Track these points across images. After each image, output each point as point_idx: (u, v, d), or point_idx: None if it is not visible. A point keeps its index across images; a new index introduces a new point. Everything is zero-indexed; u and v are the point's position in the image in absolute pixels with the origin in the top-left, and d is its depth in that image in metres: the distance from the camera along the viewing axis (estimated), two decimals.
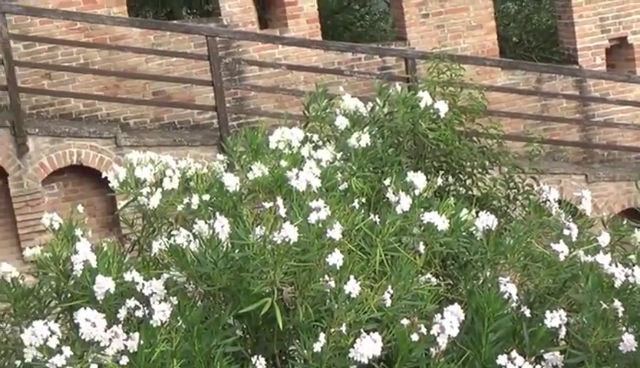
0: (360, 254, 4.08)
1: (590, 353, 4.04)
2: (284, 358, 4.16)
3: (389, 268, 4.07)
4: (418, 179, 4.49)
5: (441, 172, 6.21)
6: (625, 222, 5.08)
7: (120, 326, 3.69)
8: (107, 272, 3.98)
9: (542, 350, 4.10)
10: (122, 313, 3.82)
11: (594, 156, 12.91)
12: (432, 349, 3.85)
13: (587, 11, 12.90)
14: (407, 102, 5.37)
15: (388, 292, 3.88)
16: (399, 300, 3.94)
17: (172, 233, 4.24)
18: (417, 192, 4.44)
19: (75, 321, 3.63)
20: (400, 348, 3.85)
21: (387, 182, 4.66)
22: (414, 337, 3.82)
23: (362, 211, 4.30)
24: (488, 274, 4.40)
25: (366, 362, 3.67)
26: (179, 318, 3.84)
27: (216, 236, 3.91)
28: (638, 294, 4.13)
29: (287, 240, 3.69)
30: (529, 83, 12.81)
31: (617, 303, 4.03)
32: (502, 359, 3.83)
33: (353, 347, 3.66)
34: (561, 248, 4.33)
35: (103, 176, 5.07)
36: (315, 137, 5.24)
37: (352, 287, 3.72)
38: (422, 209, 4.32)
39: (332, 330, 3.72)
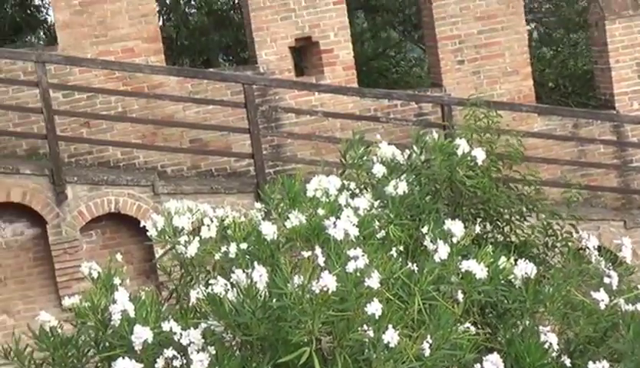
0: (398, 303, 4.06)
1: None
2: None
3: (427, 317, 4.04)
4: (456, 227, 4.47)
5: (479, 220, 6.17)
6: None
7: None
8: (144, 322, 3.98)
9: None
10: (160, 364, 3.81)
11: (632, 201, 12.79)
12: None
13: (624, 56, 12.85)
14: (444, 149, 5.35)
15: (427, 341, 3.85)
16: (438, 350, 3.90)
17: (210, 282, 4.23)
18: (454, 240, 4.41)
19: None
20: None
21: (424, 229, 4.64)
22: None
23: (400, 259, 4.28)
24: (527, 322, 4.36)
25: None
26: None
27: (254, 285, 3.90)
28: None
29: (325, 289, 3.67)
30: (566, 128, 12.75)
31: None
32: None
33: None
34: (601, 296, 4.28)
35: (141, 225, 5.09)
36: (352, 185, 5.23)
37: (391, 336, 3.69)
38: (460, 257, 4.29)
39: None
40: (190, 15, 22.01)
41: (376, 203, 4.93)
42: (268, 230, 4.42)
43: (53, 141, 10.82)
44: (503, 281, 4.39)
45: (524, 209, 6.91)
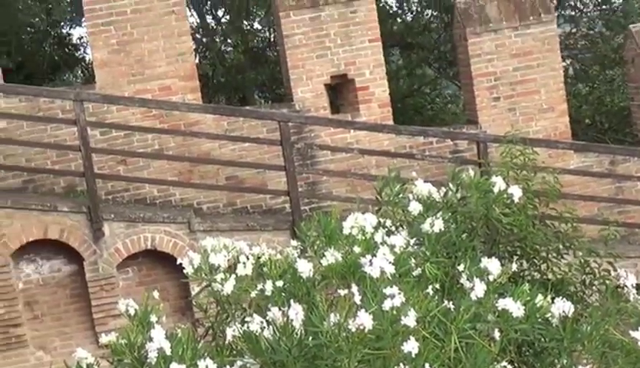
0: (434, 342, 4.04)
1: None
2: None
3: (464, 356, 4.01)
4: (492, 265, 4.45)
5: (515, 258, 6.15)
6: None
7: None
8: (181, 359, 3.98)
9: None
10: None
11: None
12: None
13: None
14: (480, 187, 5.34)
15: None
16: None
17: (246, 319, 4.24)
18: (491, 278, 4.39)
19: None
20: None
21: (460, 267, 4.62)
22: None
23: (436, 297, 4.27)
24: (565, 361, 4.32)
25: None
26: None
27: (290, 323, 3.90)
28: None
29: (361, 327, 3.67)
30: (603, 165, 12.68)
31: None
32: None
33: None
34: None
35: (177, 262, 5.10)
36: (389, 222, 5.22)
37: None
38: (497, 295, 4.27)
39: None
40: (226, 53, 22.19)
41: (412, 241, 4.91)
42: (304, 267, 4.42)
43: (90, 178, 10.91)
44: (540, 320, 4.36)
45: (561, 247, 6.87)
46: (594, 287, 6.69)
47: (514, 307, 4.17)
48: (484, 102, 12.66)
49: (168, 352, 3.97)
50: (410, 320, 3.76)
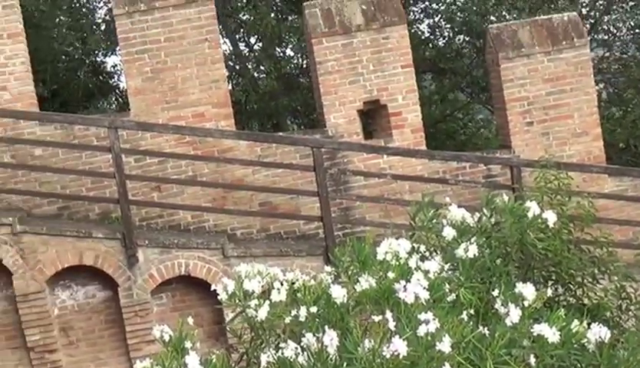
0: (469, 367, 4.02)
1: None
2: None
3: None
4: (527, 290, 4.43)
5: (550, 283, 6.11)
6: None
7: None
8: None
9: None
10: None
11: None
12: None
13: None
14: (515, 212, 5.33)
15: None
16: None
17: (280, 345, 4.24)
18: (526, 303, 4.37)
19: None
20: None
21: (495, 293, 4.60)
22: None
23: (471, 322, 4.25)
24: None
25: None
26: None
27: (325, 349, 3.90)
28: None
29: (396, 353, 3.66)
30: (638, 189, 12.60)
31: None
32: None
33: None
34: None
35: (212, 288, 5.12)
36: (422, 248, 5.22)
37: None
38: (532, 321, 4.25)
39: None
40: (259, 80, 22.29)
41: (446, 266, 4.91)
42: (339, 293, 4.42)
43: (125, 205, 10.97)
44: (576, 345, 4.33)
45: (596, 272, 6.83)
46: (630, 312, 6.64)
47: (550, 332, 4.15)
48: (517, 127, 12.63)
49: None
50: (445, 345, 3.75)
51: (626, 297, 6.75)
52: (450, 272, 4.90)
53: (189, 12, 11.96)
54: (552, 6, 19.20)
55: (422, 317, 3.84)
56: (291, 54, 22.24)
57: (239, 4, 21.86)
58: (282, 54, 22.07)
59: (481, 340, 4.12)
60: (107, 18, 22.10)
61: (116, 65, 23.76)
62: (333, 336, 3.91)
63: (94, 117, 12.97)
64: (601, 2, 21.01)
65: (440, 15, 21.54)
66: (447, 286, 4.64)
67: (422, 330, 3.77)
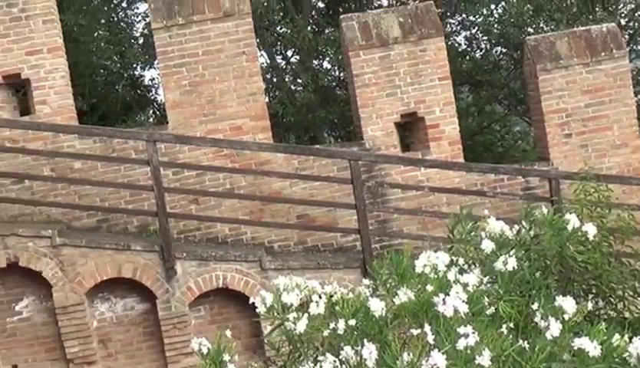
0: None
1: None
2: None
3: None
4: (568, 303, 4.40)
5: (591, 296, 6.07)
6: None
7: None
8: None
9: None
10: None
11: None
12: None
13: None
14: (554, 224, 5.29)
15: None
16: None
17: (318, 358, 4.24)
18: (566, 317, 4.34)
19: None
20: None
21: (535, 306, 4.57)
22: None
23: (510, 336, 4.23)
24: None
25: None
26: None
27: (364, 362, 3.90)
28: None
29: (435, 367, 3.65)
30: None
31: None
32: None
33: None
34: None
35: (250, 301, 5.13)
36: (461, 261, 5.20)
37: None
38: (572, 334, 4.22)
39: None
40: (296, 92, 22.34)
41: (485, 279, 4.89)
42: (377, 306, 4.41)
43: (163, 218, 11.01)
44: (617, 359, 4.29)
45: (637, 285, 6.77)
46: None
47: (590, 346, 4.12)
48: (555, 139, 12.56)
49: None
50: (484, 359, 3.73)
51: None
52: (488, 285, 4.88)
53: (226, 26, 12.01)
54: (591, 17, 19.10)
55: (461, 330, 3.82)
56: (328, 66, 22.27)
57: (276, 17, 21.93)
58: (319, 67, 22.11)
59: (521, 354, 4.10)
60: (145, 31, 22.27)
61: (153, 78, 23.95)
62: (372, 350, 3.90)
63: (132, 130, 13.03)
64: None
65: (477, 27, 21.52)
66: (486, 299, 4.62)
67: (461, 344, 3.76)
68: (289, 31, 21.30)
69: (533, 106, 13.20)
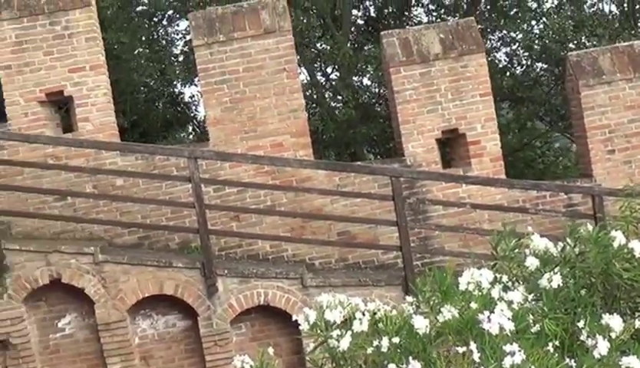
0: None
1: None
2: None
3: None
4: (614, 321, 4.35)
5: (637, 314, 5.99)
6: None
7: None
8: None
9: None
10: None
11: None
12: None
13: None
14: (600, 241, 5.23)
15: None
16: None
17: None
18: (613, 335, 4.29)
19: None
20: None
21: (581, 324, 4.52)
22: None
23: (556, 354, 4.19)
24: None
25: None
26: None
27: None
28: None
29: None
30: None
31: None
32: None
33: None
34: None
35: (293, 319, 5.11)
36: (505, 278, 5.15)
37: None
38: (619, 353, 4.17)
39: None
40: (336, 109, 22.38)
41: (530, 296, 4.84)
42: (421, 324, 4.38)
43: (204, 235, 11.03)
44: None
45: None
46: None
47: (638, 365, 4.06)
48: (598, 155, 12.47)
49: None
50: None
51: None
52: (533, 303, 4.83)
53: (267, 43, 12.05)
54: (633, 32, 18.99)
55: (507, 348, 3.78)
56: (368, 83, 22.31)
57: (317, 34, 22.01)
58: (358, 83, 22.15)
59: None
60: (185, 49, 22.43)
61: (193, 95, 24.12)
62: (417, 367, 3.87)
63: (173, 148, 13.10)
64: None
65: (517, 43, 21.46)
66: (531, 317, 4.57)
67: (507, 362, 3.72)
68: (329, 48, 21.38)
69: (576, 122, 13.12)
